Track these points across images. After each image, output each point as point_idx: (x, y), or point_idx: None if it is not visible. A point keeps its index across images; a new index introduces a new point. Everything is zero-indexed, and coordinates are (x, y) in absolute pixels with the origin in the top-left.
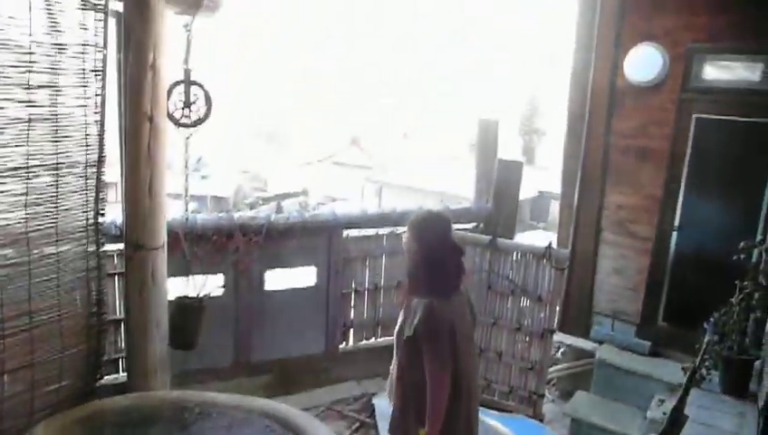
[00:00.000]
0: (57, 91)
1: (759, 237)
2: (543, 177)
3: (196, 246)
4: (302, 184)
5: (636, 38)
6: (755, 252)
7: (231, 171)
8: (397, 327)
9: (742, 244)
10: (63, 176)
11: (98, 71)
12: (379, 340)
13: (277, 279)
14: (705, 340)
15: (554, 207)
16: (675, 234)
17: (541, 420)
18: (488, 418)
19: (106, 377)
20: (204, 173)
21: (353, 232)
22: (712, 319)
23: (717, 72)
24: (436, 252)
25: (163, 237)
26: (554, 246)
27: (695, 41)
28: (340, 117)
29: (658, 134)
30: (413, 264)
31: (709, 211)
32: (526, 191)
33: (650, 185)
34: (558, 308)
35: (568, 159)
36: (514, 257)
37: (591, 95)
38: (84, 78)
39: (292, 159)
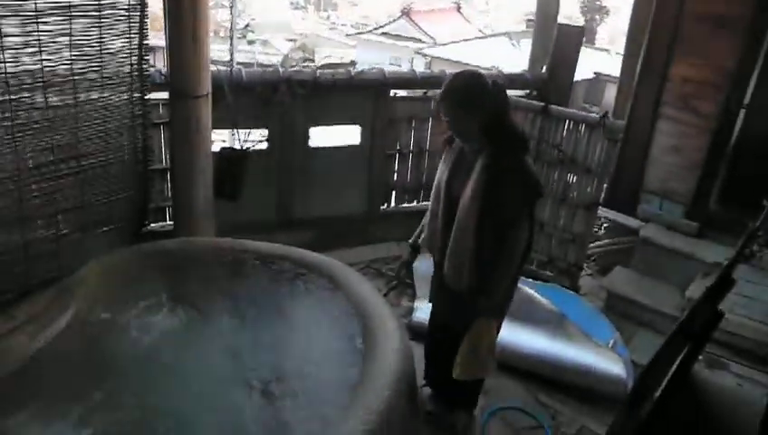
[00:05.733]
0: None
1: None
2: (602, 58)
3: (241, 98)
4: (349, 55)
5: None
6: None
7: (279, 40)
8: (445, 179)
9: None
10: (105, 17)
11: None
12: (419, 204)
13: (321, 136)
14: (762, 217)
15: (610, 92)
16: (743, 112)
17: (577, 292)
18: (524, 286)
19: (153, 224)
20: (250, 39)
21: (401, 93)
22: None
23: None
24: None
25: (207, 86)
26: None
27: None
28: None
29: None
30: (488, 115)
31: None
32: (582, 72)
33: (723, 57)
34: (606, 183)
35: (633, 29)
36: (566, 126)
37: None
38: None
39: (340, 29)
